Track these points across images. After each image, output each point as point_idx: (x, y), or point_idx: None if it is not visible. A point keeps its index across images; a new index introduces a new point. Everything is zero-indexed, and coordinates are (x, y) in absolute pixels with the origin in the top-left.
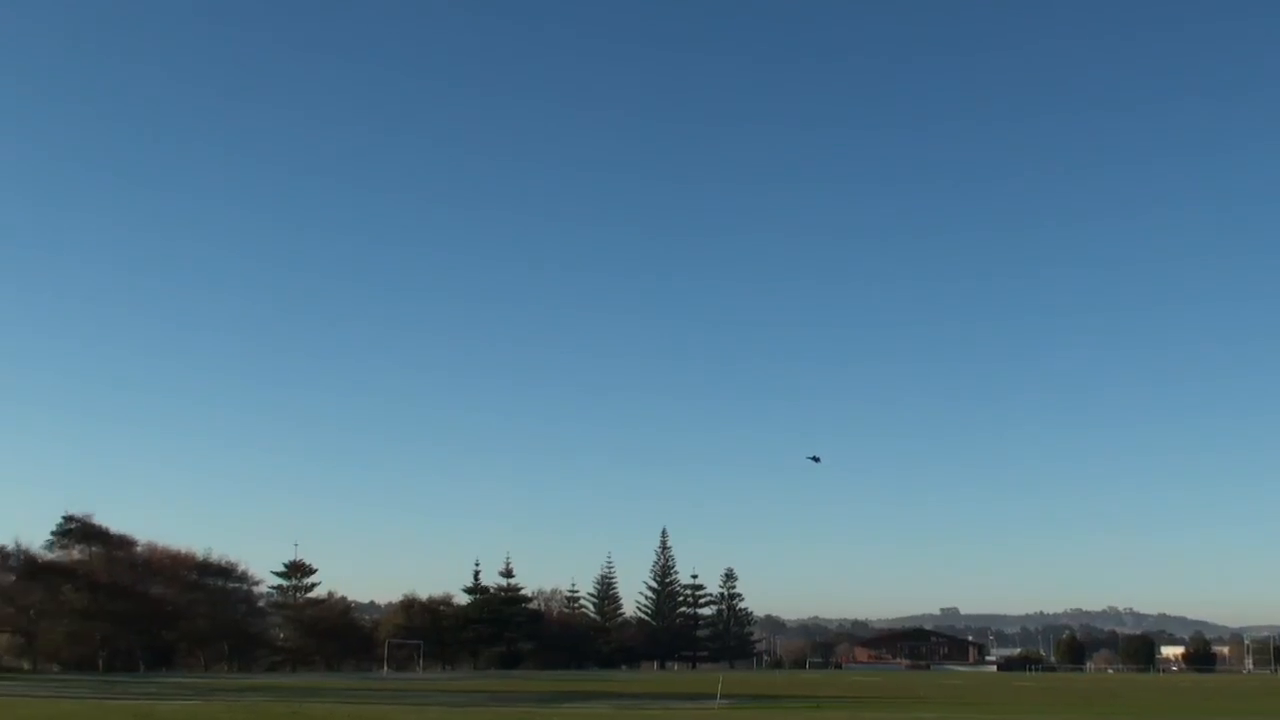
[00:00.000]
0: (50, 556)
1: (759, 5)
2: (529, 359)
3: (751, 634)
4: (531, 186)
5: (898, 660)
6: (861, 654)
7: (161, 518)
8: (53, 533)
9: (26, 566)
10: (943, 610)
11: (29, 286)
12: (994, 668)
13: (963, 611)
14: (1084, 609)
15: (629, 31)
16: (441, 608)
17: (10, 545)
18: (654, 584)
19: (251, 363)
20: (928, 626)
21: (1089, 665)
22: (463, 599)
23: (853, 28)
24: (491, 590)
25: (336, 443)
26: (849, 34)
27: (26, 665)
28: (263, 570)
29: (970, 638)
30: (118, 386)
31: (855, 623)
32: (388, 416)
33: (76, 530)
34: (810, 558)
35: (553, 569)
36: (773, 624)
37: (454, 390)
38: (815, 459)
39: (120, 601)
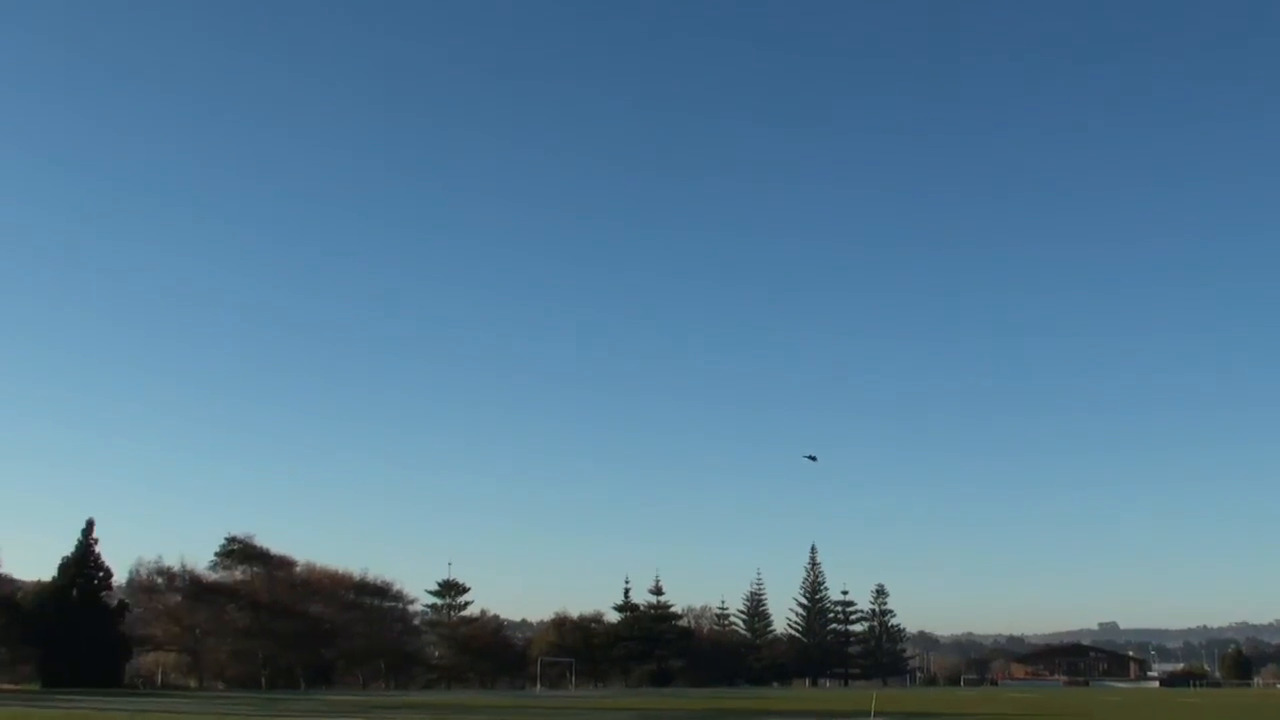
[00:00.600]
0: (214, 577)
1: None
2: (681, 377)
3: (904, 650)
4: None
5: (1055, 677)
6: (1018, 670)
7: (319, 538)
8: (216, 554)
9: (192, 587)
10: (1101, 625)
11: (183, 310)
12: (1156, 684)
13: (1122, 626)
14: (1250, 622)
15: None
16: (592, 625)
17: (177, 566)
18: (804, 600)
19: (405, 383)
20: (1085, 642)
21: (1257, 680)
22: (613, 617)
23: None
24: (642, 608)
25: (489, 462)
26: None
27: (193, 683)
28: (417, 589)
29: (1130, 653)
30: (277, 408)
31: (1010, 638)
32: (540, 436)
33: (239, 551)
34: (963, 572)
35: (702, 586)
36: (925, 640)
37: (606, 410)
38: (811, 458)
39: (281, 620)
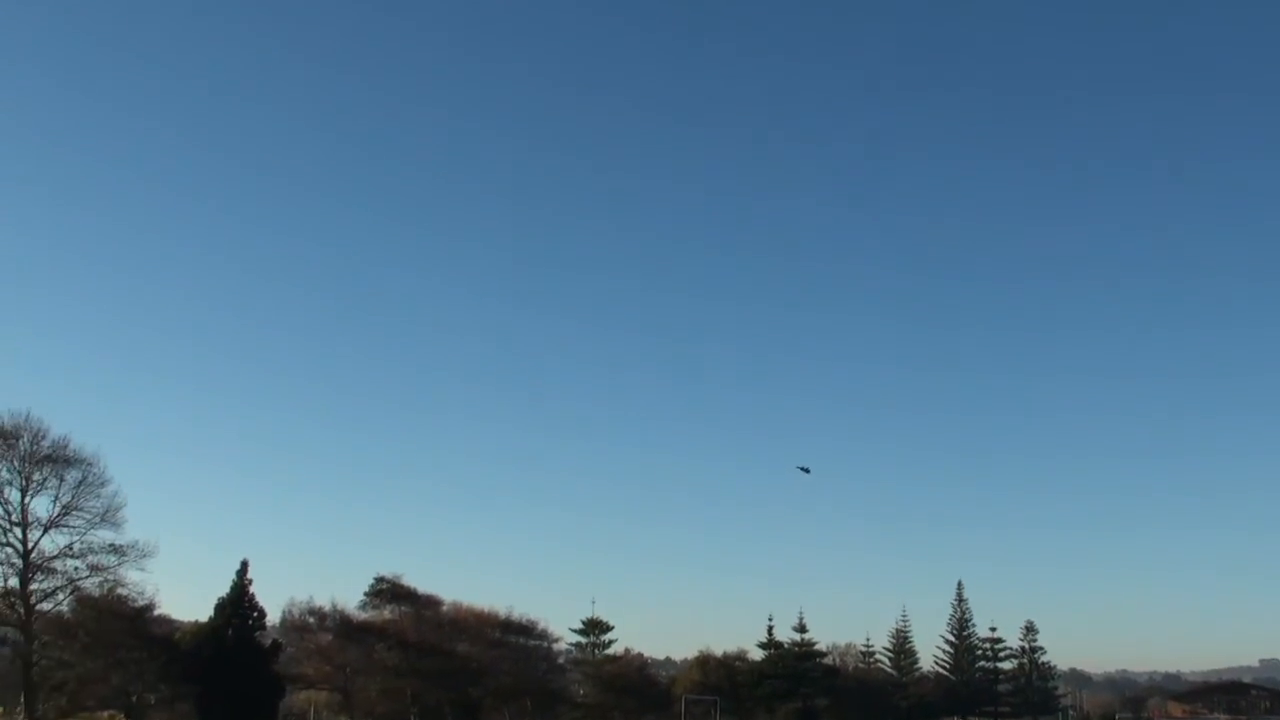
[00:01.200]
0: (364, 616)
1: None
2: (823, 416)
3: (1055, 688)
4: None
5: (1214, 715)
6: (1175, 709)
7: (466, 577)
8: (365, 594)
9: (342, 626)
10: (1262, 662)
11: (327, 358)
12: None
13: None
14: None
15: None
16: (736, 663)
17: (327, 606)
18: (951, 638)
19: (549, 424)
20: (1246, 679)
21: None
22: (757, 654)
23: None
24: (786, 645)
25: (630, 501)
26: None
27: None
28: (562, 628)
29: None
30: (422, 450)
31: (1166, 675)
32: (682, 475)
33: (387, 591)
34: (1116, 607)
35: (846, 623)
36: (1077, 678)
37: (747, 449)
38: (804, 469)
39: (429, 659)
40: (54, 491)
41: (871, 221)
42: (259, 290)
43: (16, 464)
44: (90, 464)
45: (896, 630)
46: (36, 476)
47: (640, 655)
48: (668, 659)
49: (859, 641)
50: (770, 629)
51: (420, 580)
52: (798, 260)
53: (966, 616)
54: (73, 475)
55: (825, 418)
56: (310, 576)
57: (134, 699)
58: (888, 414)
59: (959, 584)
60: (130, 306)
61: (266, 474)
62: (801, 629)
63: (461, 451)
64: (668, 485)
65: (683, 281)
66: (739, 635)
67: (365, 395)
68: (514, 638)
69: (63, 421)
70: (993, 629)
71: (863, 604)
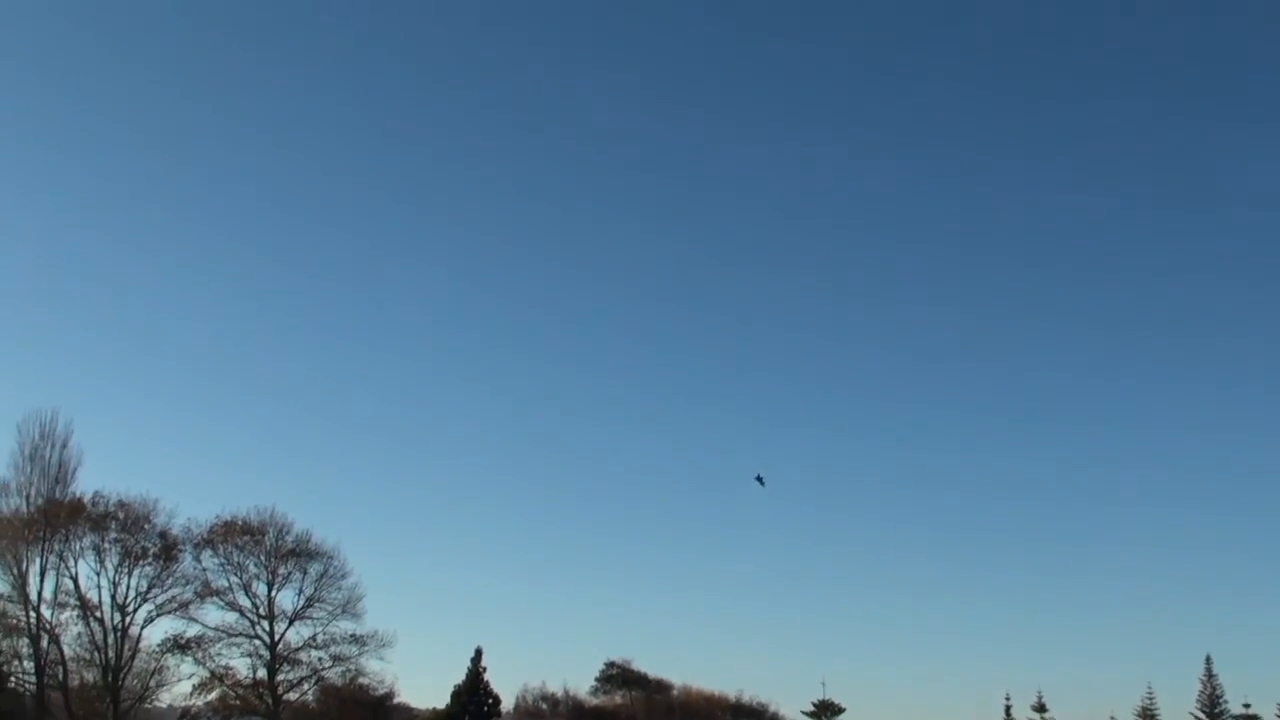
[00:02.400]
0: (595, 701)
1: None
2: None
3: None
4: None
5: None
6: None
7: (694, 659)
8: (596, 679)
9: (574, 712)
10: None
11: (550, 451)
12: None
13: None
14: None
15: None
16: None
17: (560, 692)
18: (1201, 715)
19: (772, 504)
20: None
21: None
22: None
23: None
24: None
25: (857, 579)
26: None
27: None
28: (793, 709)
29: None
30: (650, 536)
31: None
32: (905, 554)
33: (618, 676)
34: None
35: (1088, 701)
36: None
37: (972, 526)
38: (759, 479)
39: None
40: (298, 584)
41: None
42: (499, 402)
43: (263, 559)
44: (331, 557)
45: (1142, 708)
46: (282, 570)
47: None
48: None
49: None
50: (1008, 709)
51: (650, 664)
52: None
53: (1218, 693)
54: (315, 568)
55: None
56: (542, 662)
57: None
58: (1136, 474)
59: (1208, 659)
60: (361, 416)
61: (497, 563)
62: (1041, 708)
63: (689, 534)
64: (891, 559)
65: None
66: (972, 714)
67: (591, 485)
68: None
69: (304, 516)
70: (1246, 706)
71: (1105, 681)
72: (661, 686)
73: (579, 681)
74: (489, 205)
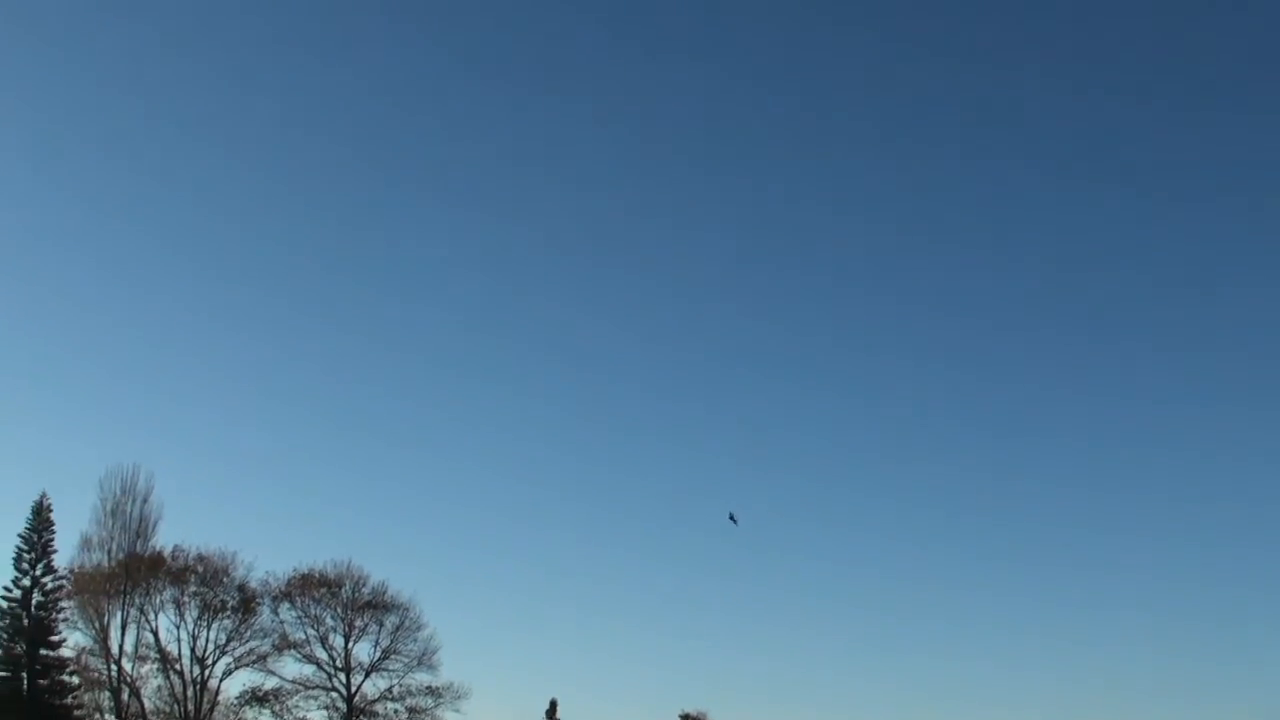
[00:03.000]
0: None
1: None
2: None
3: None
4: None
5: None
6: None
7: (770, 709)
8: None
9: None
10: None
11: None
12: None
13: None
14: None
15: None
16: None
17: None
18: None
19: (861, 549)
20: None
21: None
22: None
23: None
24: None
25: (934, 633)
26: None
27: None
28: None
29: None
30: (721, 583)
31: None
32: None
33: None
34: None
35: None
36: None
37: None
38: (731, 518)
39: None
40: (374, 636)
41: None
42: (573, 459)
43: (340, 611)
44: (407, 609)
45: None
46: (358, 623)
47: None
48: None
49: None
50: None
51: (725, 716)
52: None
53: None
54: (391, 620)
55: None
56: (617, 713)
57: None
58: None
59: None
60: (437, 470)
61: (572, 613)
62: None
63: (763, 582)
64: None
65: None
66: None
67: (663, 534)
68: None
69: (380, 568)
70: None
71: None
72: None
73: None
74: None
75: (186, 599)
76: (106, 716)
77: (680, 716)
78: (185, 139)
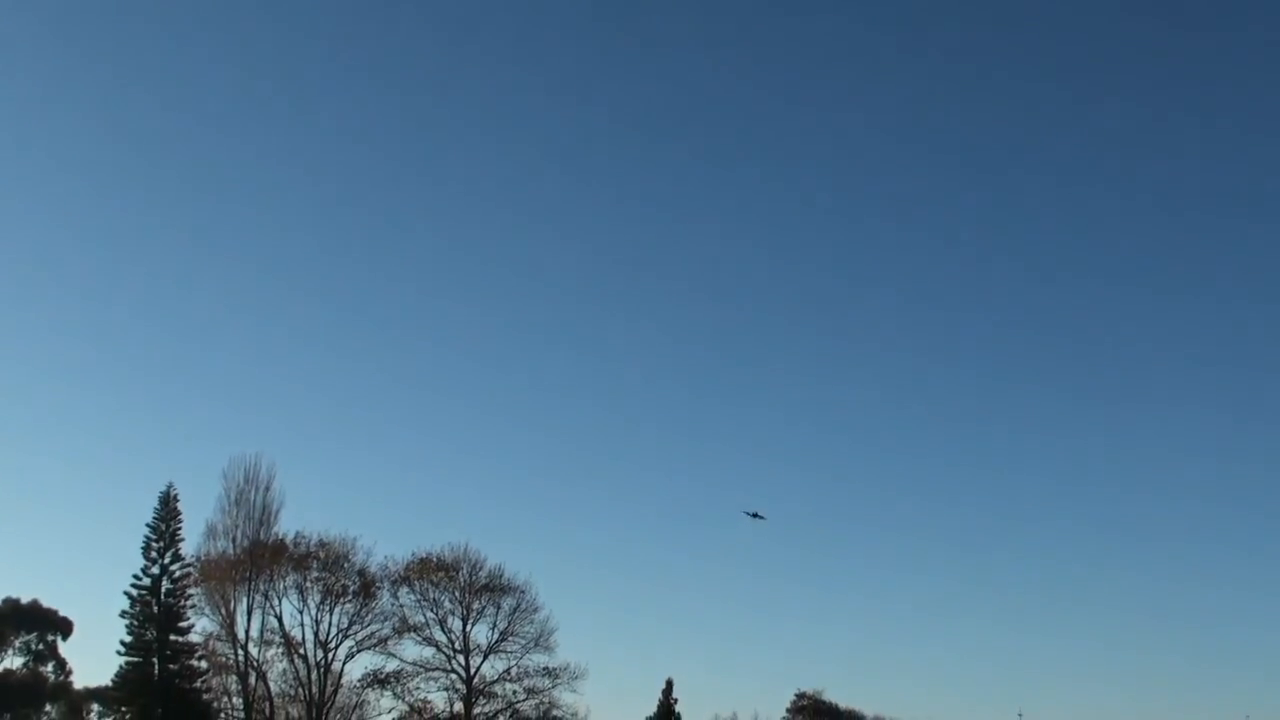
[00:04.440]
0: None
1: None
2: None
3: None
4: None
5: None
6: None
7: (886, 688)
8: (788, 709)
9: None
10: None
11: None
12: None
13: None
14: None
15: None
16: None
17: None
18: None
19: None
20: None
21: None
22: None
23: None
24: None
25: (1050, 616)
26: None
27: None
28: None
29: None
30: (841, 561)
31: None
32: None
33: (809, 706)
34: None
35: None
36: None
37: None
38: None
39: None
40: (491, 619)
41: None
42: (678, 432)
43: (458, 594)
44: (523, 591)
45: None
46: (475, 605)
47: None
48: None
49: None
50: None
51: (842, 694)
52: None
53: None
54: (508, 603)
55: None
56: (733, 692)
57: None
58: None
59: None
60: (551, 450)
61: (687, 593)
62: None
63: (879, 560)
64: (1081, 594)
65: None
66: None
67: (786, 506)
68: None
69: (497, 551)
70: None
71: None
72: (853, 717)
73: (770, 712)
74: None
75: (309, 584)
76: (234, 700)
77: (796, 694)
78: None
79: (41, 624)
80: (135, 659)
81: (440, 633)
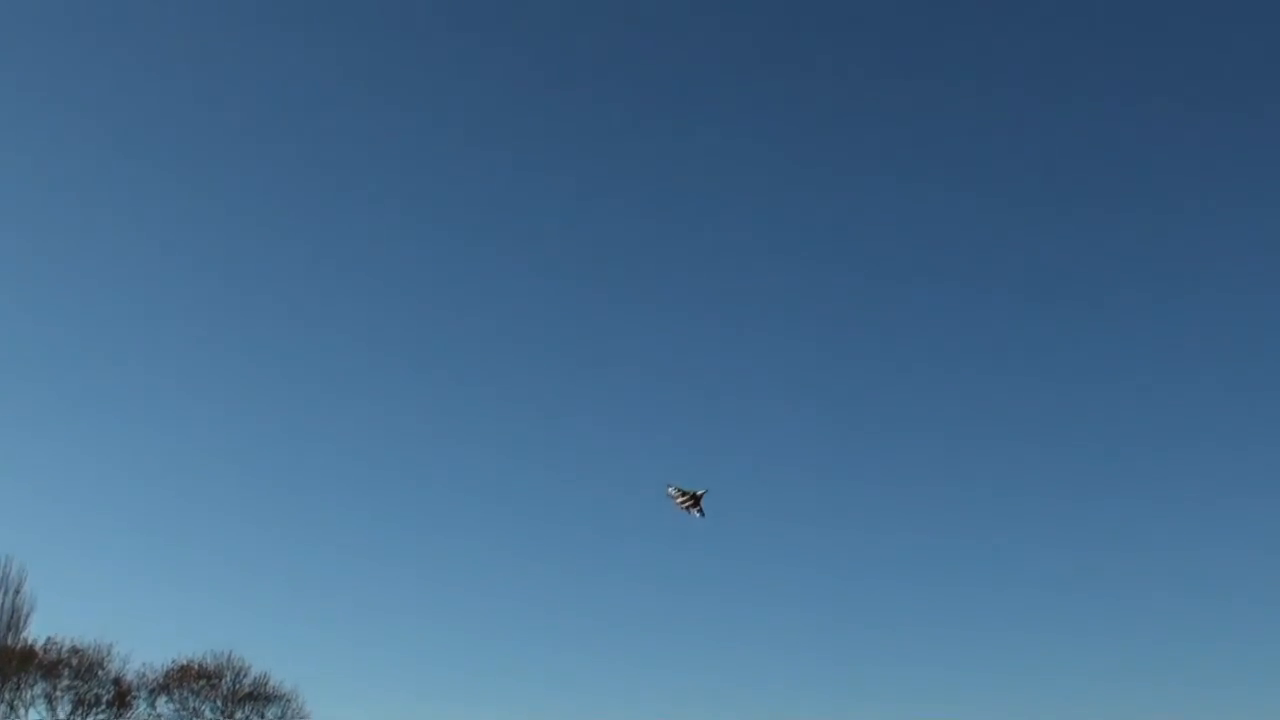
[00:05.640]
0: None
1: None
2: None
3: None
4: None
5: None
6: None
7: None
8: None
9: None
10: None
11: None
12: None
13: None
14: None
15: None
16: None
17: None
18: None
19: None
20: None
21: None
22: None
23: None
24: None
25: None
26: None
27: None
28: None
29: None
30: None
31: None
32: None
33: None
34: None
35: None
36: None
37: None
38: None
39: None
40: None
41: None
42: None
43: (220, 703)
44: (289, 700)
45: None
46: (239, 714)
47: None
48: None
49: None
50: None
51: None
52: None
53: None
54: (273, 711)
55: None
56: None
57: None
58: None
59: None
60: (320, 561)
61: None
62: None
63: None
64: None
65: None
66: None
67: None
68: None
69: (262, 658)
70: None
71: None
72: None
73: None
74: None
75: (59, 693)
76: None
77: None
78: None
79: None
80: None
81: None
